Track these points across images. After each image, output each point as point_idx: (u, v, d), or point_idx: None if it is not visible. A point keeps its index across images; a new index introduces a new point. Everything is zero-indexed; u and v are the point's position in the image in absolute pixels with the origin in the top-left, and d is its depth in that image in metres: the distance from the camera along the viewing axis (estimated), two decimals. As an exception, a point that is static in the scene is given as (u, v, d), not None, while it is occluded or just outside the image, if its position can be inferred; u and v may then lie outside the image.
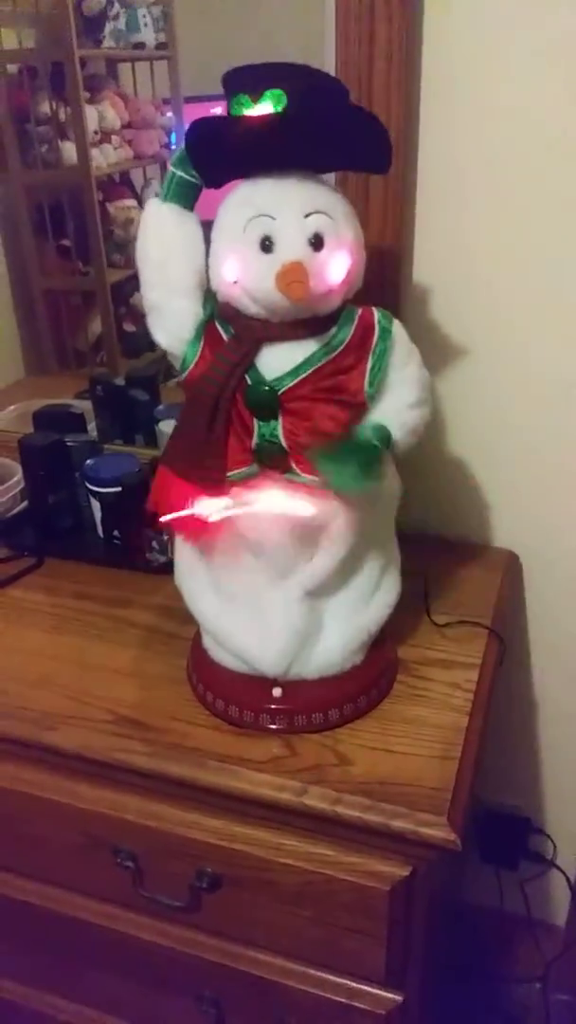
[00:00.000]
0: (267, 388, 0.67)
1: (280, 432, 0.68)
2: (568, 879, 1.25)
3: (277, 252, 0.63)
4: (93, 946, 0.92)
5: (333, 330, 0.68)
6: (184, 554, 0.79)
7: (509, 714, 1.16)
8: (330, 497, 0.69)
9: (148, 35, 1.12)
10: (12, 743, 0.81)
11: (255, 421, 0.68)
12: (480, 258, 0.92)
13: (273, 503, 0.69)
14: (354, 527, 0.71)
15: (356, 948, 0.78)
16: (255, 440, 0.68)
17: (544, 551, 1.05)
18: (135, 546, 1.00)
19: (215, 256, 0.67)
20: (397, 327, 0.70)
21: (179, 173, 0.68)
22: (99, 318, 1.29)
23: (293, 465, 0.68)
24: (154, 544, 0.99)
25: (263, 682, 0.77)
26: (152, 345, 0.73)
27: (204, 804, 0.77)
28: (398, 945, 0.77)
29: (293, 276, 0.62)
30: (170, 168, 0.69)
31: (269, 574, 0.73)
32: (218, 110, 0.66)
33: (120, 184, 1.24)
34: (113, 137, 1.19)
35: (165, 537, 0.97)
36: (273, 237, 0.63)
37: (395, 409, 0.70)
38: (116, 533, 1.01)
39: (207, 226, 0.68)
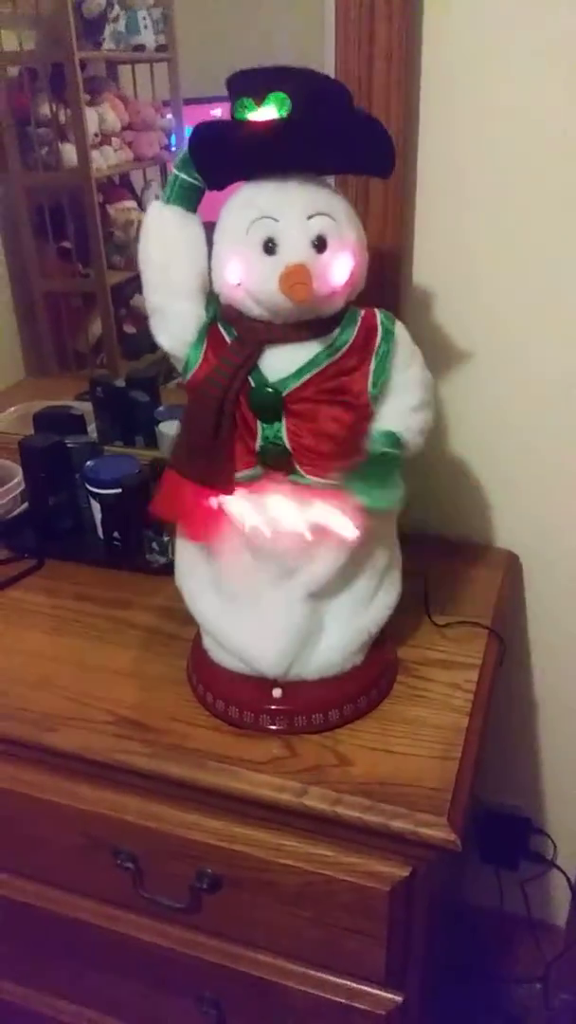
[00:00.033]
0: (271, 390, 0.67)
1: (284, 434, 0.68)
2: (568, 879, 1.25)
3: (280, 254, 0.63)
4: (93, 947, 0.92)
5: (336, 332, 0.68)
6: (184, 555, 0.79)
7: (509, 714, 1.16)
8: (336, 499, 0.69)
9: (148, 37, 1.12)
10: (12, 744, 0.81)
11: (259, 423, 0.68)
12: (480, 258, 0.92)
13: (319, 521, 0.70)
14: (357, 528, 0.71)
15: (356, 949, 0.78)
16: (259, 442, 0.68)
17: (544, 551, 1.05)
18: (135, 547, 1.00)
19: (218, 258, 0.67)
20: (400, 329, 0.70)
21: (181, 175, 0.68)
22: (99, 320, 1.29)
23: (297, 467, 0.68)
24: (154, 545, 0.99)
25: (263, 683, 0.77)
26: (152, 347, 0.73)
27: (204, 805, 0.77)
28: (398, 946, 0.77)
29: (296, 278, 0.62)
30: (172, 170, 0.69)
31: (271, 574, 0.73)
32: (218, 112, 0.66)
33: (120, 186, 1.25)
34: (113, 139, 1.19)
35: (165, 538, 0.97)
36: (276, 239, 0.63)
37: (399, 414, 0.70)
38: (116, 534, 1.01)
39: (209, 227, 0.68)
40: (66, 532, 1.05)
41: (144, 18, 1.11)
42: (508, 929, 1.29)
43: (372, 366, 0.69)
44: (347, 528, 0.69)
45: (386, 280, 0.90)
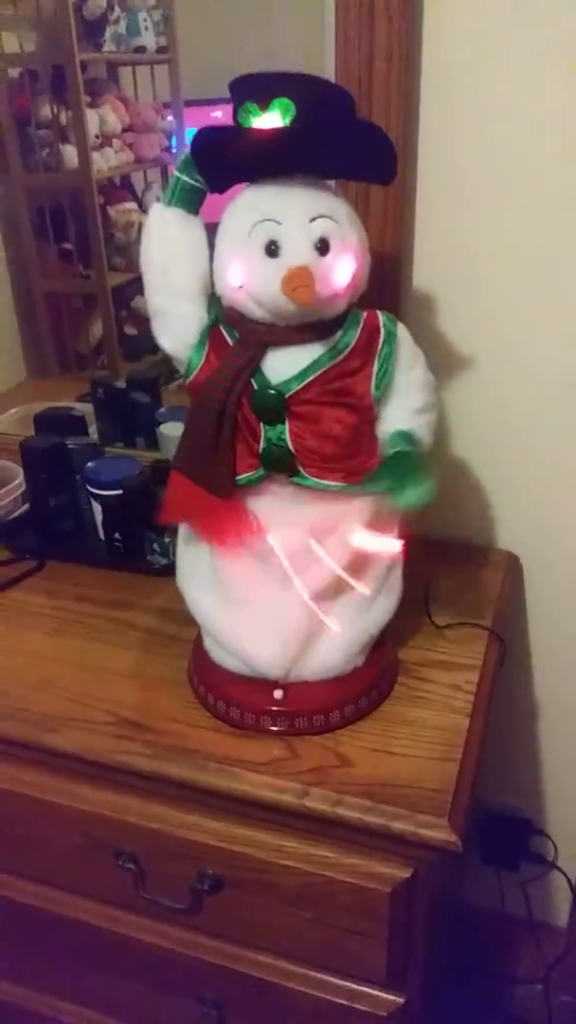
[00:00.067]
0: (273, 392, 0.67)
1: (287, 436, 0.68)
2: (569, 880, 1.24)
3: (283, 256, 0.63)
4: (94, 948, 0.92)
5: (338, 334, 0.68)
6: (186, 556, 0.79)
7: (510, 715, 1.16)
8: (340, 500, 0.69)
9: (149, 39, 1.12)
10: (13, 745, 0.81)
11: (262, 425, 0.68)
12: (480, 259, 0.92)
13: (363, 542, 0.70)
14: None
15: (357, 950, 0.78)
16: (262, 444, 0.68)
17: (544, 552, 1.05)
18: (136, 548, 1.00)
19: (220, 260, 0.67)
20: (402, 330, 0.70)
21: (183, 178, 0.68)
22: (100, 321, 1.29)
23: (300, 468, 0.68)
24: (155, 546, 0.99)
25: (264, 684, 0.77)
26: (153, 348, 0.73)
27: (205, 806, 0.77)
28: (399, 947, 0.77)
29: (299, 280, 0.62)
30: (174, 173, 0.69)
31: (274, 576, 0.73)
32: (218, 113, 0.66)
33: (121, 187, 1.25)
34: (114, 141, 1.19)
35: (166, 539, 0.97)
36: (279, 241, 0.63)
37: (402, 417, 0.71)
38: (117, 535, 1.01)
39: (211, 229, 0.68)
40: (67, 533, 1.05)
41: (145, 20, 1.11)
42: (509, 930, 1.29)
43: (375, 368, 0.69)
44: (390, 544, 0.70)
45: (386, 281, 0.90)
